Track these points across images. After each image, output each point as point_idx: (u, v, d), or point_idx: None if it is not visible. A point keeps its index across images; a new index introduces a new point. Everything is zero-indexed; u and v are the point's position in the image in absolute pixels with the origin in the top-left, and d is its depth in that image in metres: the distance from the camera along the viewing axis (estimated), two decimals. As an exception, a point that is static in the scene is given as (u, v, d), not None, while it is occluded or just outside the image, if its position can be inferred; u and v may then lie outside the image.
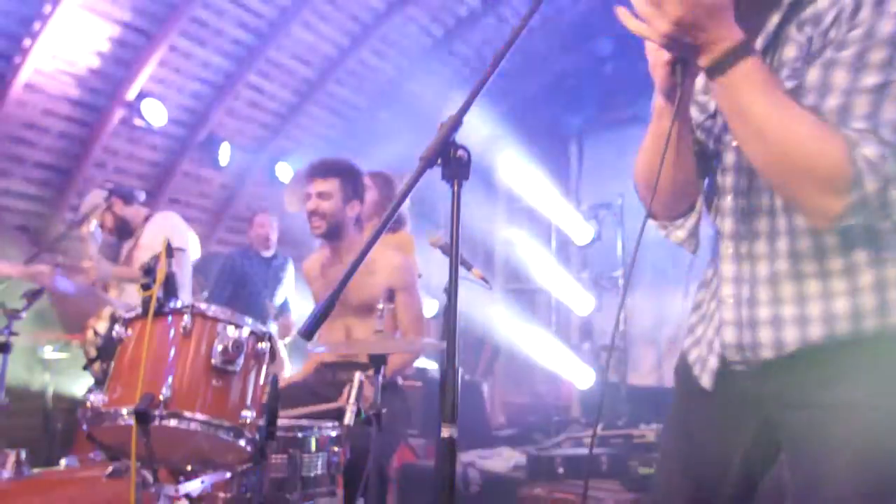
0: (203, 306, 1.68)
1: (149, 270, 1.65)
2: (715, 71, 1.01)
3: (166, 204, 5.74)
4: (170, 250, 1.70)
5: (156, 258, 1.68)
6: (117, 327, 1.67)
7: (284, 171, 6.02)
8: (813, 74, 1.05)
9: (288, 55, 5.54)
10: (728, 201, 1.24)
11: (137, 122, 5.04)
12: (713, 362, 1.28)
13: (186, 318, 1.62)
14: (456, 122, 1.27)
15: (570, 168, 6.65)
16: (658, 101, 1.20)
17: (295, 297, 4.88)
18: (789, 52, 1.11)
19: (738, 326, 1.21)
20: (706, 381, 1.29)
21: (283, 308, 4.85)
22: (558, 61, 6.59)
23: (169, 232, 3.51)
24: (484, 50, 6.42)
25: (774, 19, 1.12)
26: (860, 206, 1.00)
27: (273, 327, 4.76)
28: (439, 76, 6.34)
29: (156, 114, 5.05)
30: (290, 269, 4.86)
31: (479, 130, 5.77)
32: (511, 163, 6.17)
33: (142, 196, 3.85)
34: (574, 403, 5.57)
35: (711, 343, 1.29)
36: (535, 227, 6.37)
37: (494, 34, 6.32)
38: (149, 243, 3.57)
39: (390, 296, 2.66)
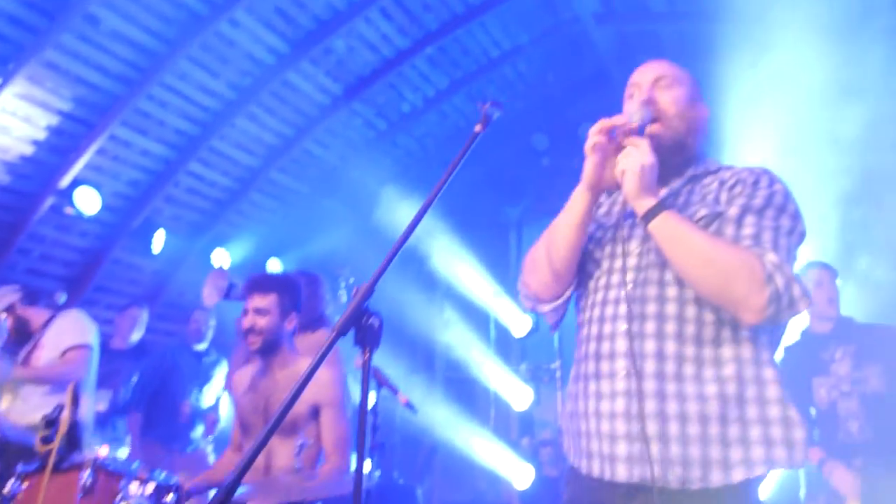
0: (107, 458, 1.60)
1: (50, 422, 1.58)
2: (645, 221, 1.47)
3: (91, 292, 5.55)
4: (76, 397, 1.63)
5: (59, 407, 1.61)
6: (11, 482, 1.57)
7: (221, 257, 5.94)
8: (731, 213, 1.51)
9: (231, 144, 5.57)
10: (622, 309, 1.53)
11: (68, 210, 4.91)
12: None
13: (87, 474, 1.54)
14: (368, 291, 1.34)
15: (510, 258, 6.79)
16: (582, 191, 1.60)
17: (225, 398, 4.72)
18: (693, 197, 1.62)
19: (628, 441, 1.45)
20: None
21: (213, 408, 4.68)
22: (498, 153, 6.84)
23: (70, 332, 3.40)
24: (426, 141, 6.63)
25: (676, 184, 1.65)
26: (776, 298, 1.37)
27: (199, 428, 4.58)
28: (381, 165, 6.49)
29: (88, 202, 4.94)
30: (224, 367, 4.72)
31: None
32: (450, 252, 6.26)
33: (60, 298, 3.71)
34: (514, 502, 5.46)
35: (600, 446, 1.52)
36: (475, 318, 6.41)
37: (437, 127, 6.55)
38: (50, 344, 3.42)
39: (315, 412, 2.61)
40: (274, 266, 6.36)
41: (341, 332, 1.32)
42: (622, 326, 1.50)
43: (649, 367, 1.46)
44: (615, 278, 1.59)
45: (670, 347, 1.46)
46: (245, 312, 2.68)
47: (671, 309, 1.50)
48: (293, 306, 2.74)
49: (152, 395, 4.52)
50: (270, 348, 2.69)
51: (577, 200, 1.59)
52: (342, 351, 3.58)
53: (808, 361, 3.34)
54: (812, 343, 3.39)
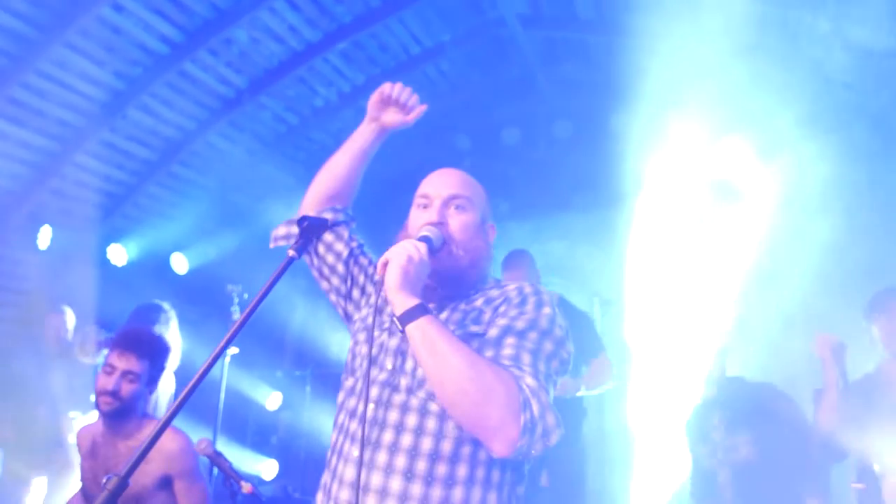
0: None
1: None
2: (402, 322, 1.37)
3: (-28, 288, 5.18)
4: None
5: None
6: None
7: (117, 253, 5.61)
8: (493, 333, 1.46)
9: (124, 136, 5.19)
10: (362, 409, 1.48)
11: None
12: None
13: None
14: (116, 490, 1.04)
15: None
16: (367, 125, 1.88)
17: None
18: (455, 316, 1.56)
19: None
20: None
21: None
22: (418, 153, 6.59)
23: None
24: (342, 136, 6.29)
25: (447, 303, 1.59)
26: (530, 427, 1.30)
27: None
28: (295, 160, 6.18)
29: (-44, 197, 4.54)
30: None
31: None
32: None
33: None
34: None
35: None
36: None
37: (354, 123, 6.21)
38: None
39: (165, 483, 2.44)
40: (178, 261, 6.05)
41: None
42: (354, 452, 1.45)
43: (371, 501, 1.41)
44: (361, 388, 1.52)
45: (395, 484, 1.39)
46: (110, 371, 2.43)
47: (406, 440, 1.42)
48: (158, 374, 2.54)
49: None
50: (122, 415, 2.46)
51: (359, 131, 1.88)
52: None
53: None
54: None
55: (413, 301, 1.37)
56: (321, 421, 6.10)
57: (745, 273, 4.45)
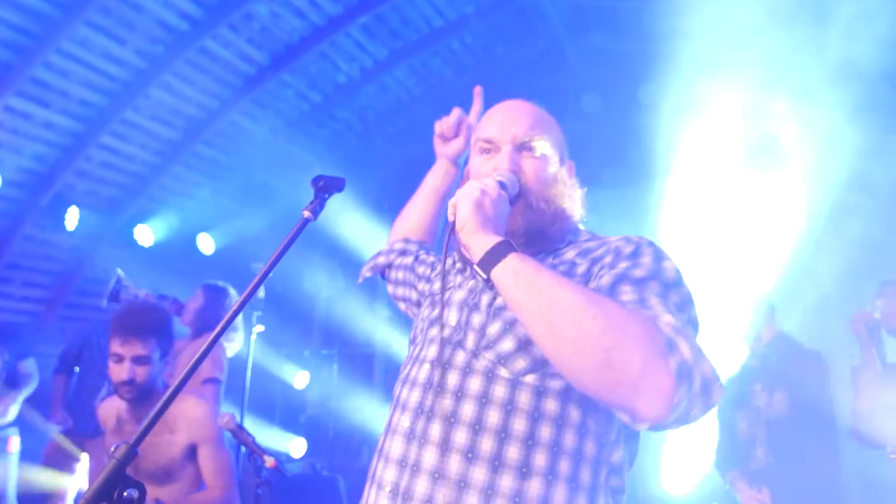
0: None
1: None
2: (484, 266, 1.08)
3: (4, 269, 5.25)
4: None
5: None
6: None
7: (144, 233, 5.63)
8: (602, 283, 1.13)
9: (147, 116, 5.17)
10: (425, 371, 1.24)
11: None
12: None
13: None
14: (124, 459, 0.95)
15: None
16: (438, 165, 1.71)
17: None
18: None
19: None
20: None
21: None
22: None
23: None
24: (366, 114, 6.23)
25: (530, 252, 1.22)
26: (687, 373, 0.95)
27: None
28: (318, 139, 6.11)
29: (-15, 178, 4.58)
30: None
31: (357, 200, 5.57)
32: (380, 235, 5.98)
33: None
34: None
35: None
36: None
37: (377, 100, 6.14)
38: None
39: (191, 453, 2.41)
40: (204, 241, 6.06)
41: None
42: (405, 422, 1.20)
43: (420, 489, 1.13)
44: (419, 349, 1.30)
45: (452, 465, 1.10)
46: (118, 359, 2.35)
47: (468, 410, 1.13)
48: (170, 345, 2.46)
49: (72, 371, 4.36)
50: (144, 397, 2.40)
51: (431, 171, 1.73)
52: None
53: None
54: None
55: (494, 238, 1.09)
56: (348, 399, 6.11)
57: (784, 244, 4.30)
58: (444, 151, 1.69)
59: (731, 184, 4.61)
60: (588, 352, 0.96)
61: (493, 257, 1.07)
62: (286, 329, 5.98)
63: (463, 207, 1.11)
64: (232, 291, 3.71)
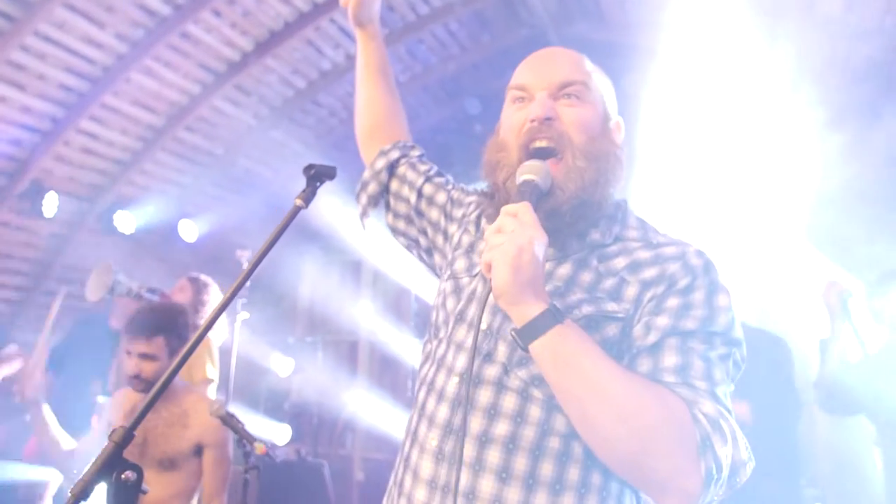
0: None
1: None
2: (523, 337, 1.00)
3: (-20, 256, 5.16)
4: None
5: None
6: None
7: (125, 220, 5.56)
8: (650, 338, 1.07)
9: (128, 101, 5.08)
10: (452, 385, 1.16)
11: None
12: None
13: None
14: (121, 441, 0.96)
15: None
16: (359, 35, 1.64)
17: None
18: (585, 277, 1.15)
19: None
20: None
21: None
22: (426, 117, 6.47)
23: None
24: (351, 101, 6.17)
25: (574, 246, 1.18)
26: (715, 476, 0.96)
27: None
28: (303, 125, 6.07)
29: (-40, 164, 4.48)
30: None
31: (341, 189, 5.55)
32: (375, 223, 5.98)
33: None
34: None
35: None
36: (394, 292, 6.22)
37: (362, 87, 6.10)
38: None
39: (198, 451, 2.49)
40: (187, 228, 6.00)
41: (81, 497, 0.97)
42: (432, 440, 1.13)
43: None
44: (445, 353, 1.20)
45: (485, 485, 1.07)
46: (128, 355, 2.45)
47: (502, 429, 1.09)
48: (181, 341, 2.51)
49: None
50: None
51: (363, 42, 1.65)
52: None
53: None
54: None
55: (535, 308, 0.99)
56: (332, 387, 6.13)
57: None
58: (353, 20, 1.65)
59: (714, 172, 4.68)
60: (619, 451, 0.99)
61: (533, 331, 0.99)
62: (270, 316, 5.96)
63: (499, 273, 0.99)
64: (214, 286, 3.71)
